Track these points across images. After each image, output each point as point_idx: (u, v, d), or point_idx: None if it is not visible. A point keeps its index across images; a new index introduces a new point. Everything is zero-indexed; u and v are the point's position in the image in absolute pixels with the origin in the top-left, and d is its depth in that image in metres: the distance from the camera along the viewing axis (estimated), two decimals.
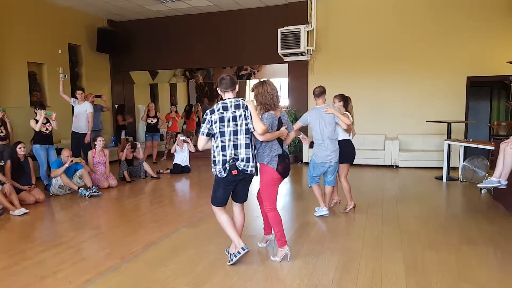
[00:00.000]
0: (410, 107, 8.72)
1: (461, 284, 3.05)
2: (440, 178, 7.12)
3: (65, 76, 7.46)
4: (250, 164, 3.34)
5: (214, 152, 3.32)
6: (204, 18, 10.16)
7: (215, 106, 3.32)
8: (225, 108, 3.29)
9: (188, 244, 3.98)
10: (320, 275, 3.22)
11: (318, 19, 8.99)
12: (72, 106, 7.64)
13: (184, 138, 8.24)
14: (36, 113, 6.60)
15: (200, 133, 3.32)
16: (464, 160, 6.94)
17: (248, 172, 3.34)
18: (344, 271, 3.30)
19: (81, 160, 6.66)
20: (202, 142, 3.34)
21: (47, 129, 6.62)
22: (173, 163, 8.26)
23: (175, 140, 8.57)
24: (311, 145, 8.76)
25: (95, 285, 3.12)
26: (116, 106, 9.68)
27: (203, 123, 3.31)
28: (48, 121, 6.63)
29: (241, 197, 3.57)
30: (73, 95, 7.68)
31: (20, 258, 3.71)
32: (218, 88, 3.43)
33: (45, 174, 6.68)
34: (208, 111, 3.33)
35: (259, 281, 3.14)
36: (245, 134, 3.31)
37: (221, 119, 3.26)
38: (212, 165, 3.35)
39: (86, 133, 7.33)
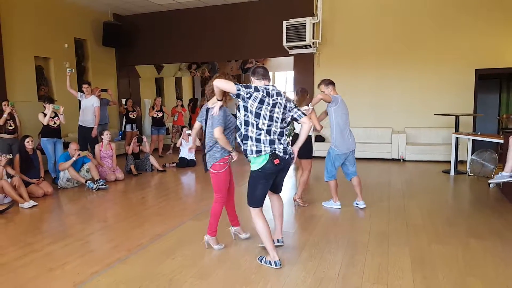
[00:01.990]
0: (417, 100, 8.64)
1: (468, 278, 3.04)
2: (448, 172, 7.07)
3: (71, 70, 7.50)
4: (288, 147, 3.24)
5: (245, 140, 3.15)
6: (209, 12, 10.12)
7: (260, 87, 3.10)
8: (268, 93, 3.09)
9: (193, 237, 3.99)
10: (326, 269, 3.22)
11: (324, 11, 8.92)
12: (79, 100, 7.68)
13: (189, 132, 8.26)
14: (44, 107, 6.65)
15: (237, 85, 3.06)
16: (472, 154, 6.88)
17: (287, 158, 3.18)
18: (350, 265, 3.29)
19: (89, 154, 6.71)
20: (233, 88, 3.03)
21: (55, 123, 6.67)
22: (179, 156, 8.29)
23: (181, 134, 8.59)
24: (318, 138, 8.78)
25: (103, 277, 3.15)
26: (125, 100, 9.73)
27: (245, 85, 3.10)
28: (56, 115, 6.68)
29: (279, 187, 3.49)
30: (80, 90, 7.72)
31: (29, 250, 3.76)
32: (252, 78, 3.26)
33: (52, 167, 6.73)
34: (253, 85, 3.12)
35: (265, 274, 3.15)
36: (280, 122, 3.16)
37: (261, 101, 3.06)
38: (250, 157, 3.15)
39: (93, 127, 7.36)
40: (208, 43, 10.26)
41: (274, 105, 3.11)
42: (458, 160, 7.15)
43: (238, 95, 3.06)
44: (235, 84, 3.07)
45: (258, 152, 3.11)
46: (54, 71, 8.97)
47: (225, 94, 3.37)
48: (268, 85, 3.20)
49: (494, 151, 6.62)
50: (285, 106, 3.20)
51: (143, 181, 6.95)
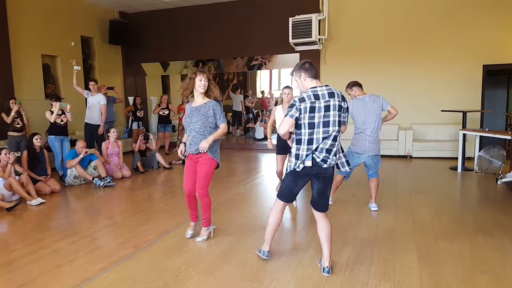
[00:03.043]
0: (424, 96, 8.59)
1: (476, 275, 3.02)
2: (455, 169, 7.02)
3: (78, 68, 7.53)
4: (331, 157, 2.95)
5: (297, 144, 2.97)
6: (215, 9, 10.12)
7: (304, 95, 2.91)
8: (317, 97, 2.89)
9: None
10: (333, 265, 3.22)
11: (330, 7, 8.87)
12: (86, 98, 7.72)
13: None
14: (51, 105, 6.70)
15: (288, 115, 2.91)
16: (479, 150, 6.82)
17: (325, 166, 2.94)
18: (357, 261, 3.29)
19: (95, 151, 6.75)
20: (287, 125, 2.93)
21: (62, 121, 6.71)
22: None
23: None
24: None
25: (110, 273, 3.17)
26: (132, 98, 9.79)
27: (289, 109, 2.92)
28: (63, 113, 6.72)
29: (318, 202, 3.08)
30: (87, 87, 7.76)
31: (37, 246, 3.79)
32: (299, 74, 2.99)
33: (60, 164, 6.78)
34: (296, 99, 2.92)
35: (271, 271, 3.15)
36: (337, 126, 2.93)
37: (312, 109, 2.87)
38: (293, 158, 3.00)
39: (99, 125, 7.40)
40: (213, 40, 10.26)
41: (326, 108, 2.90)
42: (466, 156, 7.10)
43: (297, 119, 2.91)
44: (287, 115, 2.93)
45: (303, 162, 2.96)
46: (61, 69, 9.02)
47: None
48: (320, 87, 2.95)
49: (502, 148, 6.57)
50: (340, 107, 2.94)
51: (149, 178, 6.98)
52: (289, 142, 3.72)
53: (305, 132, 2.92)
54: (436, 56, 8.40)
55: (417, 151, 8.31)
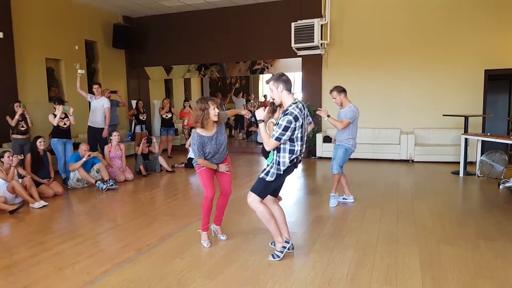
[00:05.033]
0: (426, 101, 8.59)
1: (478, 279, 3.01)
2: (457, 173, 7.01)
3: (82, 71, 7.56)
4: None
5: (282, 152, 3.22)
6: (217, 13, 10.18)
7: (296, 112, 3.10)
8: (302, 110, 3.18)
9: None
10: (335, 269, 3.22)
11: (332, 12, 8.91)
12: (89, 102, 7.75)
13: None
14: (55, 108, 6.74)
15: (276, 139, 3.12)
16: (481, 155, 6.82)
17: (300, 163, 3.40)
18: (359, 266, 3.29)
19: (98, 154, 6.78)
20: (273, 146, 3.18)
21: (65, 124, 6.74)
22: (188, 157, 8.32)
23: (190, 134, 8.64)
24: (326, 139, 8.76)
25: (112, 276, 3.18)
26: (135, 101, 9.83)
27: (282, 129, 3.08)
28: (66, 116, 6.75)
29: (280, 188, 3.62)
30: (90, 91, 7.79)
31: (40, 249, 3.81)
32: (277, 85, 3.19)
33: (63, 167, 6.80)
34: (291, 119, 3.07)
35: (273, 274, 3.15)
36: (305, 133, 3.36)
37: (301, 125, 3.17)
38: (275, 164, 3.25)
39: (102, 128, 7.42)
40: (216, 44, 10.31)
41: (303, 119, 3.25)
42: (468, 161, 7.09)
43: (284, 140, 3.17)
44: (281, 135, 3.12)
45: (292, 161, 3.26)
46: (65, 72, 9.09)
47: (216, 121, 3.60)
48: (296, 102, 3.20)
49: (503, 152, 6.55)
50: (306, 114, 3.35)
51: (152, 182, 7.00)
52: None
53: (294, 144, 3.20)
54: (438, 61, 8.42)
55: (419, 156, 8.30)
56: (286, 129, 3.09)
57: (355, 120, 4.90)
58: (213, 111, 3.50)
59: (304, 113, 3.22)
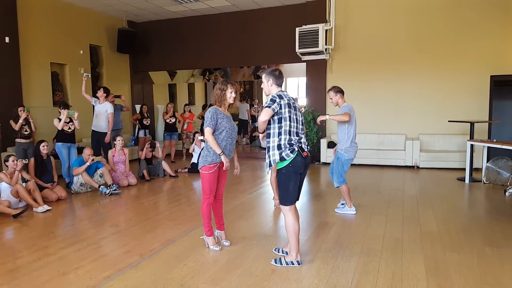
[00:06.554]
0: (431, 106, 8.55)
1: (484, 287, 2.97)
2: (463, 179, 6.96)
3: (88, 75, 7.59)
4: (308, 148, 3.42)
5: (277, 136, 3.26)
6: (221, 18, 10.21)
7: (281, 93, 3.33)
8: (289, 98, 3.34)
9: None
10: (339, 276, 3.19)
11: (336, 17, 8.92)
12: (93, 106, 7.78)
13: (202, 137, 8.28)
14: (60, 112, 6.76)
15: (269, 107, 3.21)
16: (487, 161, 6.76)
17: (309, 156, 3.35)
18: (364, 273, 3.25)
19: (102, 159, 6.78)
20: (267, 115, 3.21)
21: (69, 128, 6.76)
22: (191, 162, 8.32)
23: (192, 139, 8.64)
24: (330, 145, 8.73)
25: (115, 282, 3.16)
26: (139, 106, 9.85)
27: (267, 103, 3.25)
28: (71, 120, 6.77)
29: (299, 193, 3.47)
30: (95, 95, 7.82)
31: (43, 254, 3.80)
32: (268, 79, 3.38)
33: (66, 172, 6.81)
34: (275, 95, 3.28)
35: (277, 281, 3.12)
36: (301, 124, 3.41)
37: (289, 105, 3.27)
38: (276, 151, 3.25)
39: (106, 132, 7.44)
40: (220, 49, 10.34)
41: (295, 108, 3.35)
42: (473, 167, 7.03)
43: (275, 113, 3.25)
44: (268, 107, 3.22)
45: (292, 151, 3.23)
46: (69, 77, 9.13)
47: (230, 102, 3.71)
48: (282, 91, 3.42)
49: (510, 159, 6.50)
50: (298, 109, 3.44)
51: (155, 186, 6.99)
52: (262, 139, 4.06)
53: (286, 124, 3.24)
54: (444, 66, 8.39)
55: (424, 162, 8.25)
56: (272, 101, 3.22)
57: (353, 120, 4.80)
58: (230, 94, 3.64)
59: (290, 99, 3.33)
